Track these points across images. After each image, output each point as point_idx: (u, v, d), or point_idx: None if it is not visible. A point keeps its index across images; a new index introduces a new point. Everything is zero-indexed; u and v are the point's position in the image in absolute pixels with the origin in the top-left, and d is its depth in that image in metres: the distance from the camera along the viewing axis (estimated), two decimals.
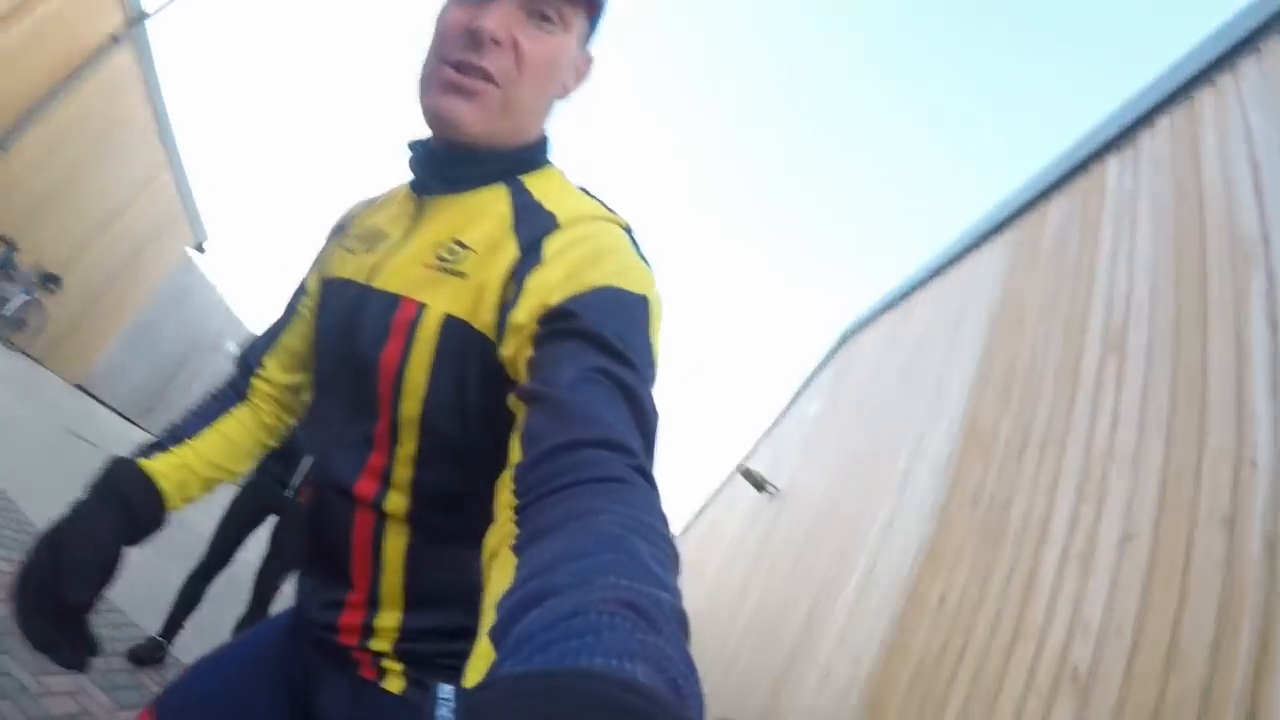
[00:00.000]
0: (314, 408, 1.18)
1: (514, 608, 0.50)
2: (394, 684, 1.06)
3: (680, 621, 0.51)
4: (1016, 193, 4.76)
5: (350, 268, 1.13)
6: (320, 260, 1.28)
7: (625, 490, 0.65)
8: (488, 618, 0.53)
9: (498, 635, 0.49)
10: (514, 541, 0.63)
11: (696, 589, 8.73)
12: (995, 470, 3.55)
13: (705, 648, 6.79)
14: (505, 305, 0.94)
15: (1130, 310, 3.02)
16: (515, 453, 0.76)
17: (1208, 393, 2.44)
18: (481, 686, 0.37)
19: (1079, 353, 3.28)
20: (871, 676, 3.62)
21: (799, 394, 8.38)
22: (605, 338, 0.84)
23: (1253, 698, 1.91)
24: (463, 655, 1.04)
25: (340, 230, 1.27)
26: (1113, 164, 3.79)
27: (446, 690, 0.37)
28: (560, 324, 0.86)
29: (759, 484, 7.19)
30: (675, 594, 0.53)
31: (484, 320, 0.96)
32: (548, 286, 0.91)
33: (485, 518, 0.92)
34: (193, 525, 5.47)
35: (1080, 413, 3.11)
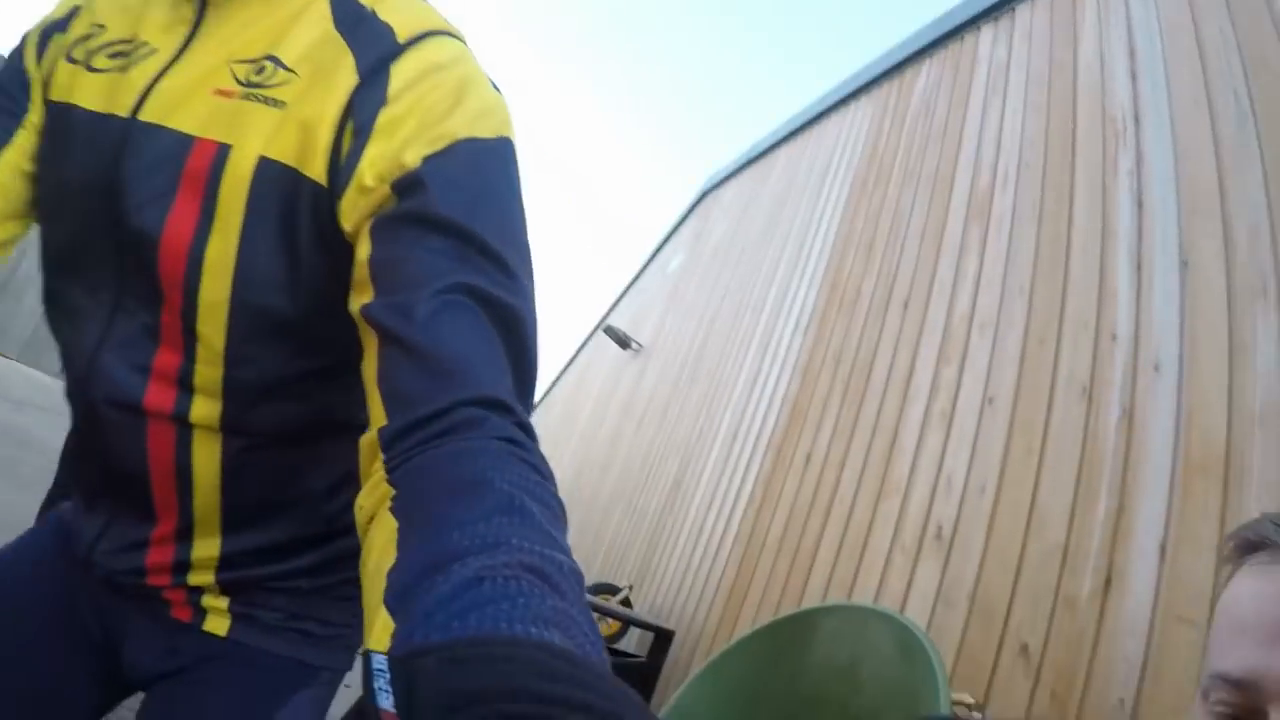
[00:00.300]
0: (54, 294, 0.87)
1: (415, 573, 0.47)
2: (217, 624, 0.92)
3: (580, 583, 0.49)
4: (886, 54, 4.70)
5: (94, 92, 0.80)
6: (29, 71, 0.88)
7: (509, 449, 0.59)
8: (376, 582, 0.49)
9: (398, 603, 0.46)
10: (392, 503, 0.56)
11: (564, 452, 8.76)
12: (858, 329, 3.63)
13: (576, 513, 6.88)
14: (346, 152, 0.73)
15: (996, 179, 3.05)
16: (377, 407, 0.64)
17: (1070, 265, 2.50)
18: (412, 654, 0.34)
19: (943, 217, 3.32)
20: (742, 533, 3.74)
21: (659, 249, 8.30)
22: (473, 232, 0.69)
23: (1109, 558, 2.03)
24: (294, 574, 0.94)
25: (58, 29, 0.88)
26: (986, 33, 3.76)
27: (380, 660, 0.34)
28: (416, 203, 0.70)
29: (622, 341, 7.16)
30: (570, 554, 0.51)
31: (316, 167, 0.73)
32: (401, 137, 0.72)
33: (323, 407, 0.78)
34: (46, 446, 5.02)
35: (943, 276, 3.17)
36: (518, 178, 0.78)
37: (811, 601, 2.97)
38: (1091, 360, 2.30)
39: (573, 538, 6.50)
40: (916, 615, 2.49)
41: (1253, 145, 2.05)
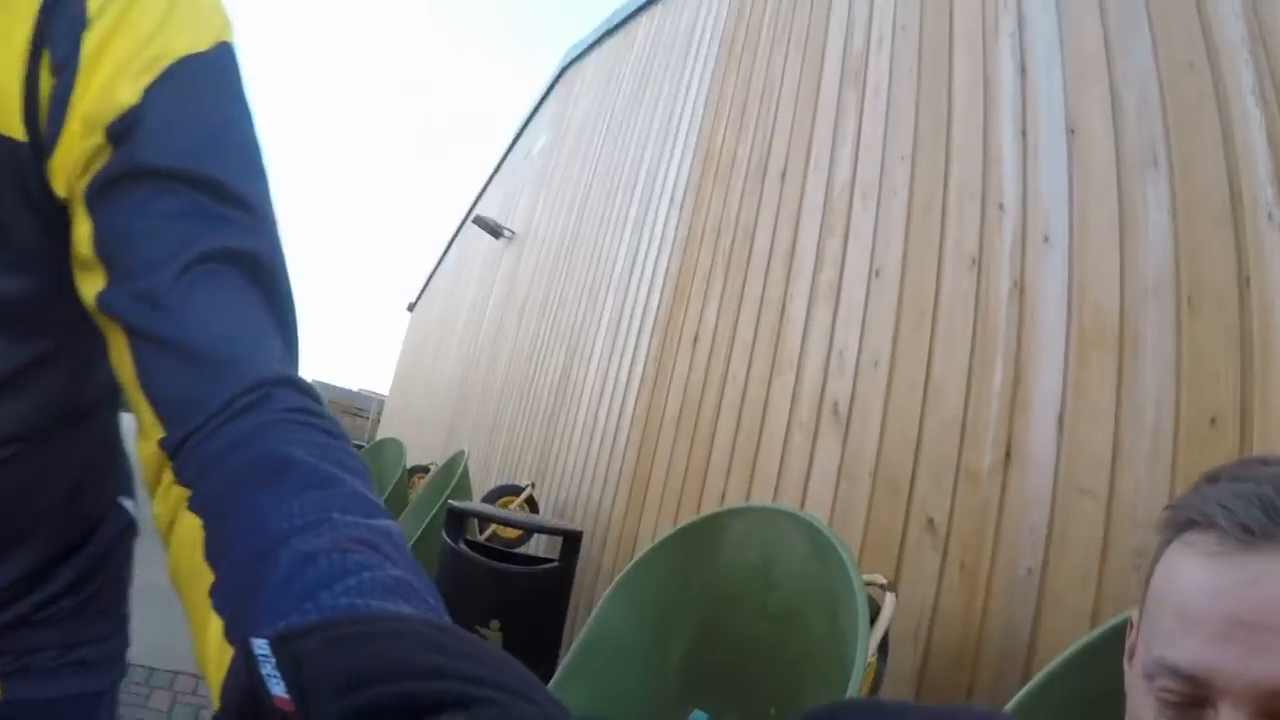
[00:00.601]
0: None
1: (240, 567, 0.44)
2: None
3: (404, 545, 0.48)
4: None
5: None
6: None
7: (298, 419, 0.54)
8: (194, 585, 0.46)
9: (227, 601, 0.43)
10: (189, 502, 0.51)
11: (449, 350, 8.47)
12: (736, 200, 3.51)
13: (468, 413, 6.67)
14: (46, 95, 0.57)
15: (871, 40, 2.92)
16: (147, 415, 0.56)
17: (953, 132, 2.43)
18: (292, 636, 0.33)
19: (817, 81, 3.19)
20: (638, 416, 3.68)
21: (522, 131, 7.88)
22: (209, 178, 0.58)
23: (1009, 431, 2.04)
24: (56, 598, 0.82)
25: None
26: None
27: (262, 646, 0.33)
28: (137, 154, 0.57)
29: (494, 230, 6.87)
30: (388, 514, 0.49)
31: (8, 120, 0.57)
32: (110, 67, 0.57)
33: (50, 400, 0.70)
34: None
35: (820, 143, 3.06)
36: (242, 85, 0.66)
37: (714, 485, 2.97)
38: (979, 230, 2.27)
39: (467, 439, 6.35)
40: (820, 493, 2.52)
41: (1140, 11, 1.97)
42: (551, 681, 1.94)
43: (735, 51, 4.05)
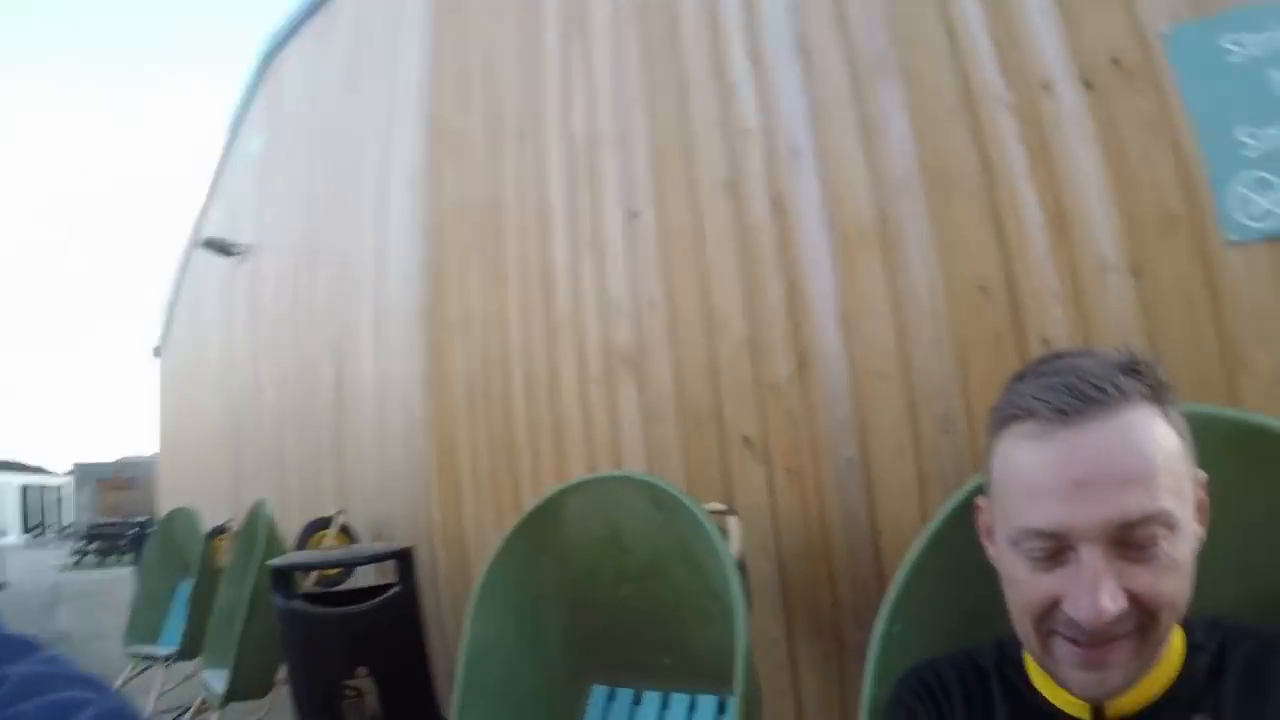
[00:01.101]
0: None
1: None
2: None
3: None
4: None
5: None
6: None
7: None
8: None
9: None
10: None
11: (204, 394, 7.58)
12: (476, 171, 3.33)
13: (246, 455, 5.96)
14: None
15: None
16: None
17: (686, 65, 2.41)
18: None
19: (538, 35, 3.06)
20: (426, 413, 3.45)
21: (232, 137, 7.15)
22: None
23: (796, 337, 2.09)
24: None
25: None
26: None
27: None
28: None
29: (224, 249, 6.23)
30: None
31: None
32: None
33: None
34: None
35: (552, 96, 2.96)
36: None
37: (524, 462, 2.86)
38: (729, 156, 2.28)
39: (256, 481, 5.59)
40: (632, 441, 2.48)
41: None
42: (452, 714, 1.83)
43: (450, 13, 3.81)
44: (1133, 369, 0.76)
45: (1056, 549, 0.73)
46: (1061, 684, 0.79)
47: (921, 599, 1.17)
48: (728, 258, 2.25)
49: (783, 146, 2.16)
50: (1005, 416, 0.80)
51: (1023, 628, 0.80)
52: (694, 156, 2.37)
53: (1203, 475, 0.80)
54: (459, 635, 1.94)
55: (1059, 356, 0.82)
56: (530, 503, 2.06)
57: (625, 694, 2.01)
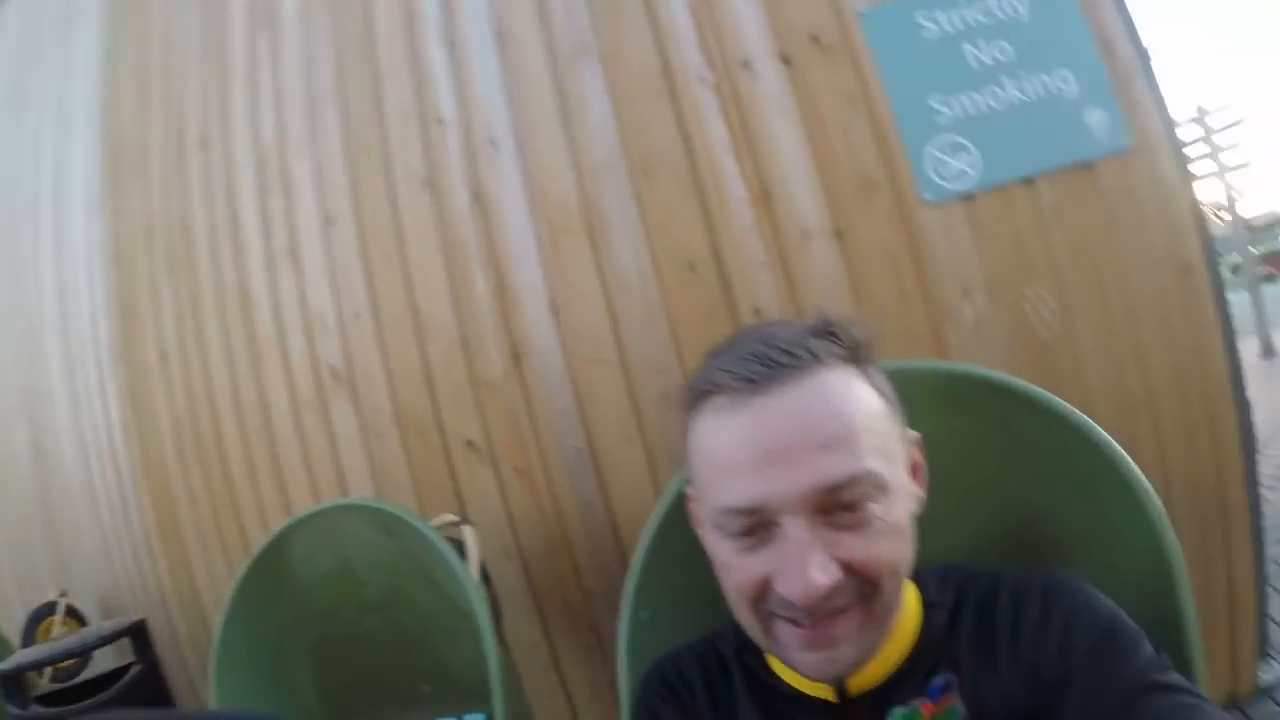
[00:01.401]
0: None
1: None
2: None
3: None
4: None
5: None
6: None
7: None
8: None
9: None
10: None
11: None
12: (159, 185, 2.89)
13: None
14: None
15: None
16: None
17: (379, 57, 2.20)
18: None
19: (223, 32, 2.69)
20: (134, 465, 2.93)
21: None
22: None
23: (508, 331, 1.98)
24: None
25: None
26: None
27: None
28: None
29: None
30: None
31: None
32: None
33: None
34: None
35: (238, 99, 2.61)
36: None
37: (247, 500, 2.51)
38: (424, 150, 2.10)
39: None
40: (354, 462, 2.25)
41: None
42: None
43: (127, 12, 3.29)
44: (826, 332, 0.69)
45: (760, 526, 0.65)
46: (792, 668, 0.71)
47: (663, 581, 1.07)
48: (431, 256, 2.07)
49: (481, 137, 2.01)
50: (695, 395, 0.71)
51: (742, 615, 0.71)
52: (390, 154, 2.16)
53: (914, 434, 0.74)
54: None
55: (754, 328, 0.74)
56: (257, 546, 1.79)
57: None
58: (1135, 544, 0.91)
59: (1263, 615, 2.08)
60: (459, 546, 1.77)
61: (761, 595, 0.67)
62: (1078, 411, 0.95)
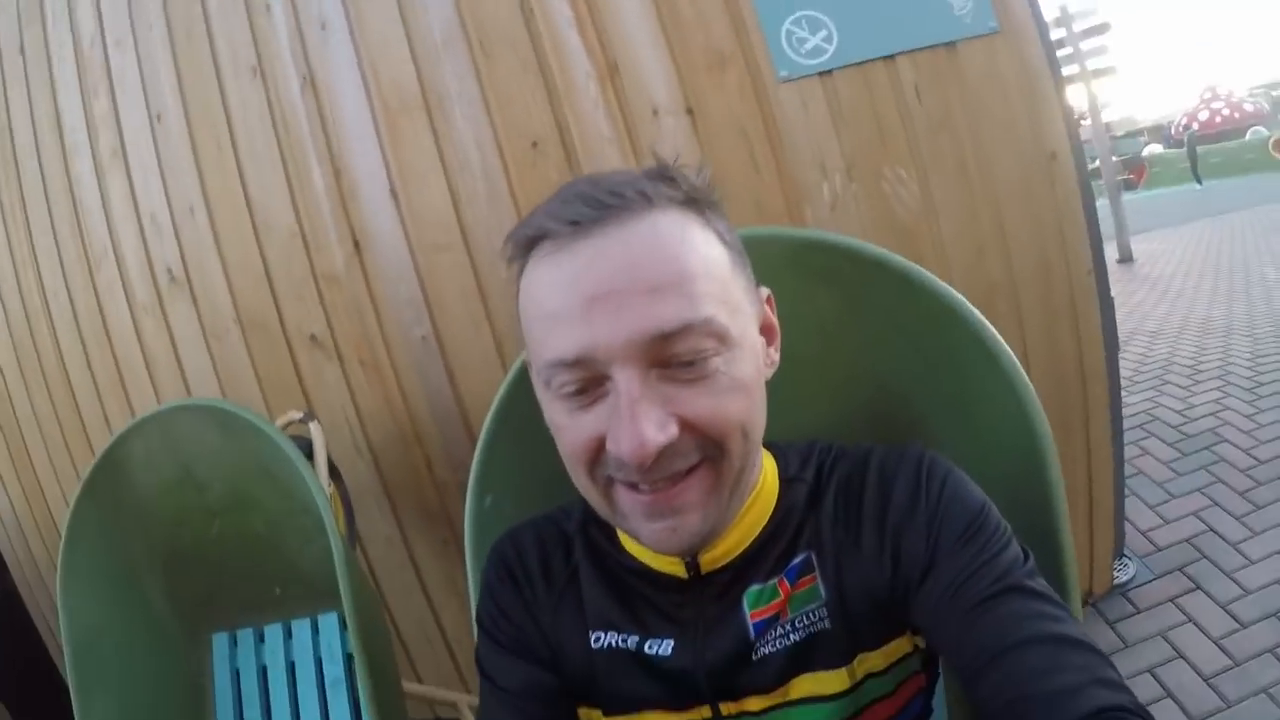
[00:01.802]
0: None
1: None
2: None
3: None
4: None
5: None
6: None
7: None
8: None
9: None
10: None
11: None
12: None
13: None
14: None
15: None
16: None
17: None
18: None
19: None
20: None
21: None
22: None
23: (347, 220, 1.86)
24: None
25: None
26: None
27: None
28: None
29: None
30: None
31: None
32: None
33: None
34: None
35: None
36: None
37: (93, 413, 2.34)
38: (251, 36, 1.91)
39: None
40: (197, 366, 2.10)
41: None
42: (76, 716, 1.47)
43: None
44: (663, 175, 0.60)
45: (590, 380, 0.57)
46: (636, 539, 0.64)
47: (507, 466, 0.99)
48: (263, 147, 1.90)
49: (311, 19, 1.83)
50: (520, 245, 0.61)
51: (581, 484, 0.62)
52: (214, 41, 1.94)
53: (765, 290, 0.67)
54: None
55: (583, 177, 0.64)
56: None
57: (246, 634, 1.75)
58: (1002, 425, 0.84)
59: (1120, 515, 2.14)
60: (307, 446, 1.66)
61: (595, 458, 0.59)
62: (942, 283, 0.87)
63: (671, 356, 0.55)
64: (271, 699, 1.70)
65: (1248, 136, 24.43)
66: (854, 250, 0.93)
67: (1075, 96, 8.00)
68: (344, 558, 1.35)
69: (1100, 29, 7.97)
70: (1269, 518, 2.37)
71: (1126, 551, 2.30)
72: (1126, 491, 2.54)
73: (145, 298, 2.14)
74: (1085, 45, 7.99)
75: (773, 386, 0.64)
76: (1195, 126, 25.13)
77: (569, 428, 0.59)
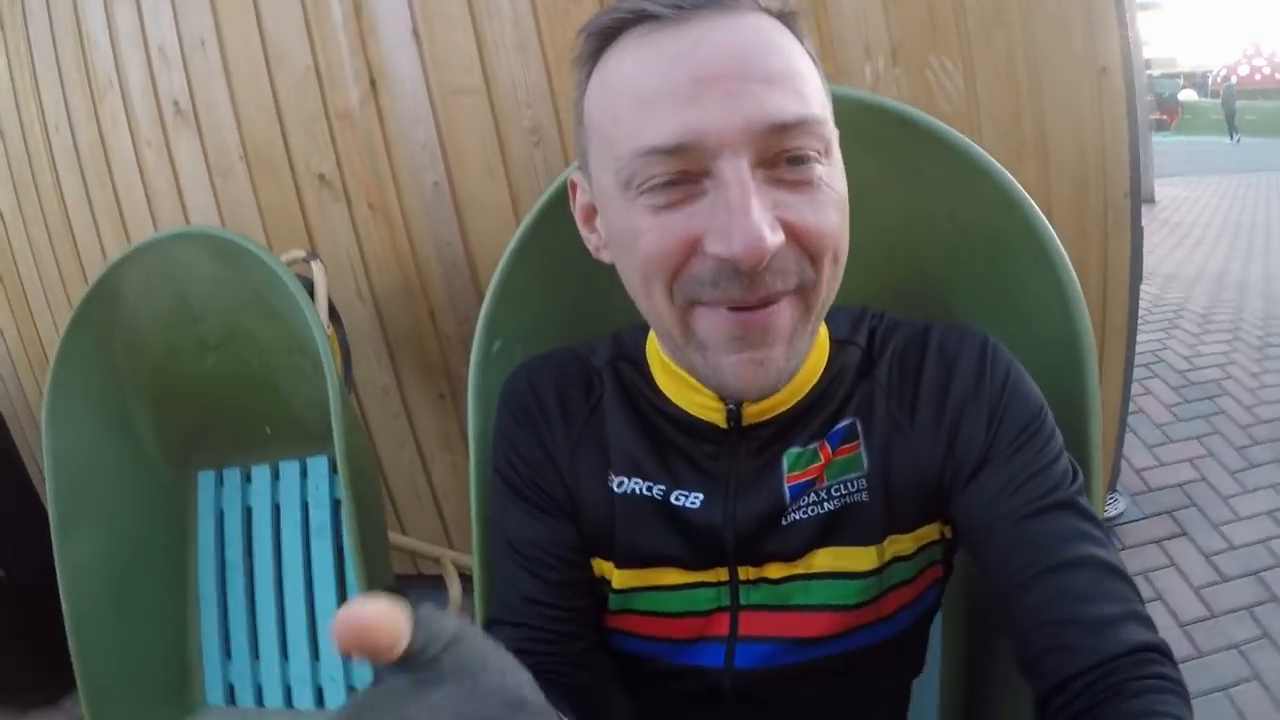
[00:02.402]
0: None
1: None
2: None
3: None
4: None
5: None
6: None
7: None
8: None
9: None
10: None
11: None
12: None
13: None
14: None
15: None
16: None
17: None
18: None
19: None
20: None
21: None
22: None
23: (365, 58, 1.79)
24: None
25: None
26: None
27: None
28: None
29: None
30: None
31: None
32: None
33: None
34: None
35: None
36: None
37: (88, 241, 2.32)
38: None
39: None
40: (199, 200, 2.07)
41: None
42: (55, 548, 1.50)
43: None
44: None
45: (685, 175, 0.49)
46: (709, 377, 0.57)
47: (519, 307, 0.93)
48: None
49: None
50: (603, 31, 0.53)
51: (653, 303, 0.54)
52: None
53: (834, 129, 0.58)
54: None
55: None
56: None
57: (233, 473, 1.75)
58: (1044, 332, 0.80)
59: (1119, 448, 2.15)
60: (308, 286, 1.63)
61: (683, 266, 0.51)
62: (1005, 171, 0.80)
63: (782, 153, 0.49)
64: (254, 541, 1.70)
65: None
66: (909, 118, 0.85)
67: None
68: (339, 400, 1.31)
69: None
70: (1262, 477, 2.40)
71: (1118, 486, 2.32)
72: (1126, 427, 2.55)
73: (150, 131, 2.08)
74: None
75: None
76: (1234, 80, 24.83)
77: (652, 229, 0.51)
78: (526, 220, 0.91)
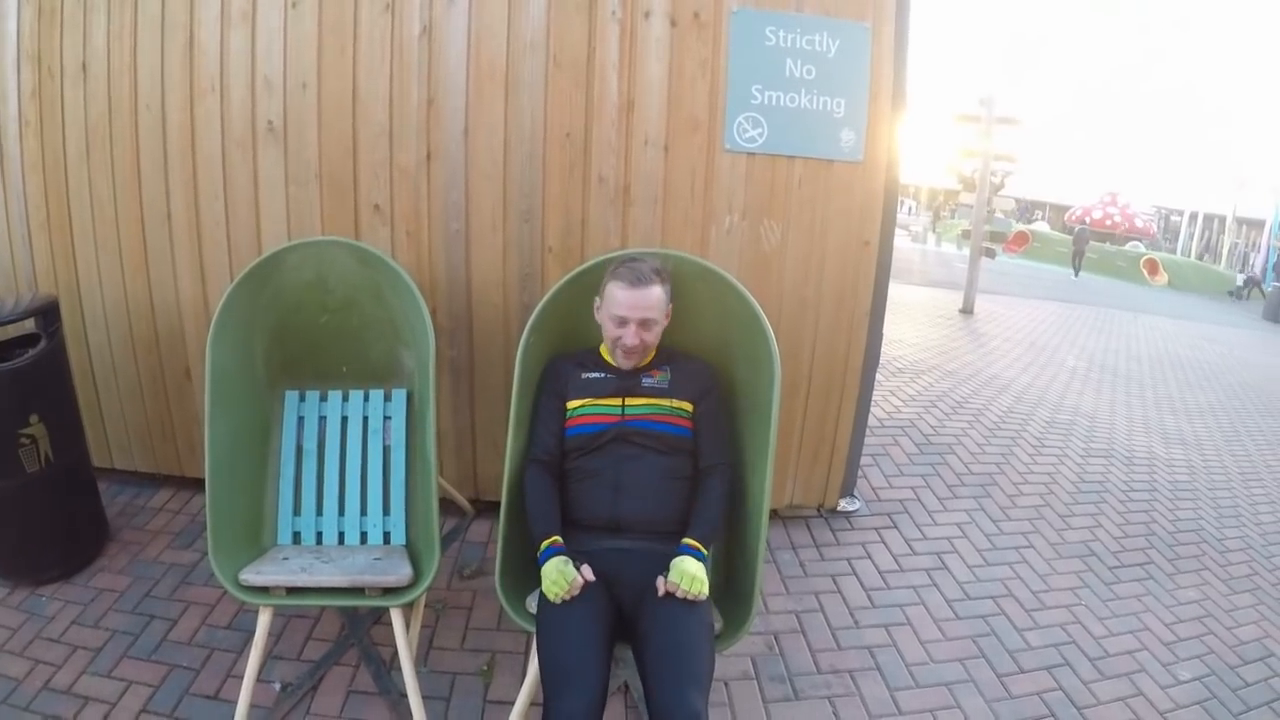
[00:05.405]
0: None
1: None
2: None
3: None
4: None
5: None
6: None
7: None
8: None
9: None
10: None
11: None
12: None
13: None
14: None
15: None
16: None
17: None
18: None
19: None
20: (29, 162, 2.80)
21: None
22: None
23: (427, 136, 2.49)
24: None
25: None
26: None
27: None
28: None
29: None
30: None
31: None
32: None
33: None
34: None
35: None
36: None
37: (156, 207, 2.64)
38: None
39: None
40: (271, 200, 2.54)
41: None
42: (205, 423, 1.96)
43: None
44: (659, 270, 1.87)
45: (622, 322, 1.84)
46: (616, 361, 1.94)
47: (549, 323, 1.97)
48: (378, 62, 2.41)
49: None
50: (611, 273, 1.89)
51: (606, 338, 1.92)
52: None
53: (669, 306, 1.95)
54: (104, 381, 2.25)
55: (634, 259, 1.90)
56: (158, 250, 2.40)
57: (313, 394, 2.23)
58: (760, 365, 1.87)
59: (854, 463, 2.98)
60: None
61: (616, 340, 1.86)
62: (745, 290, 1.94)
63: (645, 320, 1.85)
64: (326, 436, 2.21)
65: (1126, 246, 25.33)
66: (715, 272, 1.99)
67: (979, 169, 8.69)
68: (430, 357, 1.98)
69: (1011, 120, 8.74)
70: (957, 505, 3.31)
71: (857, 493, 3.17)
72: (872, 463, 3.45)
73: (241, 134, 2.50)
74: (998, 128, 8.57)
75: (675, 329, 1.81)
76: (1088, 221, 25.27)
77: (612, 329, 1.87)
78: (549, 292, 1.99)
